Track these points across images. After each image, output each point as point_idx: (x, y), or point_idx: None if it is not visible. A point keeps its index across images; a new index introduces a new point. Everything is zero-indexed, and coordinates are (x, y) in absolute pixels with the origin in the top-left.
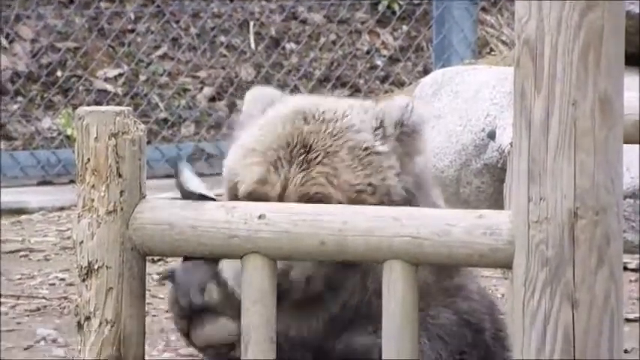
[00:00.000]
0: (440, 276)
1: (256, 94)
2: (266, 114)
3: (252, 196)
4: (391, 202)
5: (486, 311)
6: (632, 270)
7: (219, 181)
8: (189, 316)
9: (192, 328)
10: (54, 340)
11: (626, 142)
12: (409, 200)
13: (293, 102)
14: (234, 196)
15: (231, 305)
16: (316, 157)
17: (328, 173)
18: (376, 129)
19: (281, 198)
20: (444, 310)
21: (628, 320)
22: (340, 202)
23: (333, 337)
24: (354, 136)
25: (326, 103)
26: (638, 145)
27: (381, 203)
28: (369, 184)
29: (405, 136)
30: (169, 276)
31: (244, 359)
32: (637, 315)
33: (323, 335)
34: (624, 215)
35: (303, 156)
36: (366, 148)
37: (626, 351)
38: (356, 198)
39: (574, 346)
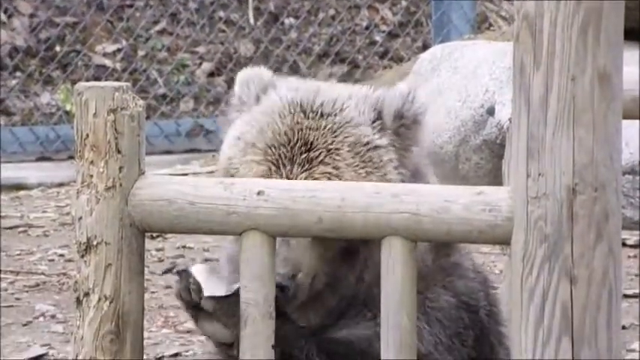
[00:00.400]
0: (438, 254)
1: (248, 76)
2: (261, 102)
3: None
4: None
5: (481, 288)
6: (631, 246)
7: (216, 156)
8: (194, 308)
9: (197, 318)
10: (53, 316)
11: (625, 117)
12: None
13: (288, 91)
14: None
15: (226, 314)
16: (318, 156)
17: (330, 173)
18: (374, 121)
19: None
20: (443, 292)
21: (626, 296)
22: None
23: (332, 327)
24: (353, 132)
25: (323, 93)
26: (637, 121)
27: None
28: (370, 181)
29: (404, 128)
30: (170, 270)
31: (243, 335)
32: (635, 291)
33: (321, 326)
34: (623, 191)
35: (304, 155)
36: (366, 143)
37: (624, 327)
38: None
39: (572, 322)
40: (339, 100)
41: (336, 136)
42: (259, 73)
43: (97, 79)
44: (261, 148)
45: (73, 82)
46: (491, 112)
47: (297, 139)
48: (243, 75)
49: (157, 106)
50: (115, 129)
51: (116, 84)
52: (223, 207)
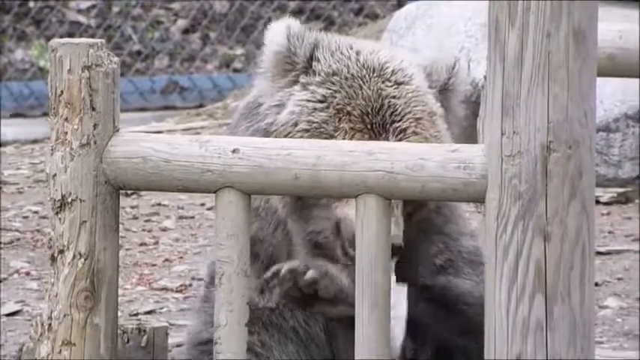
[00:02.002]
0: (447, 220)
1: (295, 29)
2: (321, 61)
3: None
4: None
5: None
6: (604, 203)
7: (190, 114)
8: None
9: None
10: (27, 273)
11: (600, 75)
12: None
13: (352, 52)
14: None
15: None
16: (409, 127)
17: (422, 142)
18: (428, 75)
19: None
20: (468, 238)
21: (599, 254)
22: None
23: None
24: (426, 101)
25: (385, 59)
26: (611, 79)
27: None
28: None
29: (446, 101)
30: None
31: (217, 292)
32: (609, 248)
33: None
34: (597, 149)
35: (397, 124)
36: (434, 113)
37: (597, 284)
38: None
39: (545, 279)
40: (406, 69)
41: (416, 106)
42: (302, 27)
43: (71, 35)
44: (357, 116)
45: (47, 38)
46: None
47: (387, 108)
48: (288, 28)
49: (131, 63)
50: (90, 86)
51: (90, 40)
52: (198, 165)
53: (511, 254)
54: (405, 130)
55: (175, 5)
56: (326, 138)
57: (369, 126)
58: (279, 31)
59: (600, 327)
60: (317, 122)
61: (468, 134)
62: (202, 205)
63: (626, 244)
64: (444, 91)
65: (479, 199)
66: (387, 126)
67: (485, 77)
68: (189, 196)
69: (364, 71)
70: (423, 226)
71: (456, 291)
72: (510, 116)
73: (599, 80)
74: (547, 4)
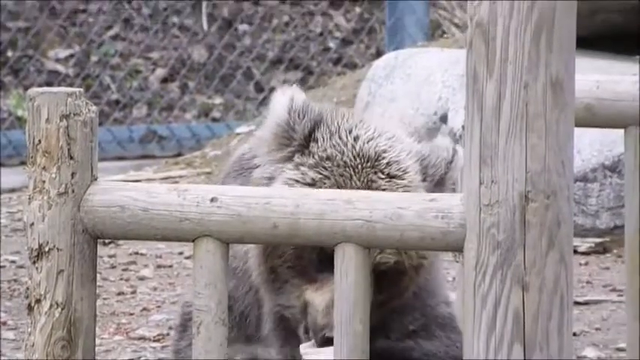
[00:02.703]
0: (427, 279)
1: (297, 104)
2: (319, 142)
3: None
4: None
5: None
6: (583, 253)
7: (169, 162)
8: None
9: None
10: (4, 323)
11: (578, 125)
12: None
13: (349, 137)
14: None
15: None
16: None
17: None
18: (422, 180)
19: None
20: (444, 306)
21: (577, 303)
22: (407, 268)
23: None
24: (408, 183)
25: (383, 146)
26: (589, 129)
27: None
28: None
29: (440, 190)
30: None
31: (195, 341)
32: (587, 298)
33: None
34: (575, 199)
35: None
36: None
37: (575, 334)
38: (419, 264)
39: (524, 329)
40: (402, 161)
41: (395, 186)
42: (307, 102)
43: (49, 84)
44: (330, 183)
45: (25, 88)
46: (444, 119)
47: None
48: (291, 102)
49: (109, 111)
50: (68, 135)
51: (69, 89)
52: (176, 213)
53: (489, 303)
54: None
55: (154, 54)
56: None
57: None
58: (282, 104)
59: None
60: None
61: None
62: (180, 253)
63: (604, 294)
64: (439, 185)
65: (457, 248)
66: None
67: (463, 127)
68: (168, 244)
69: (358, 160)
70: (398, 308)
71: (419, 353)
72: (488, 166)
73: (577, 130)
74: (525, 54)
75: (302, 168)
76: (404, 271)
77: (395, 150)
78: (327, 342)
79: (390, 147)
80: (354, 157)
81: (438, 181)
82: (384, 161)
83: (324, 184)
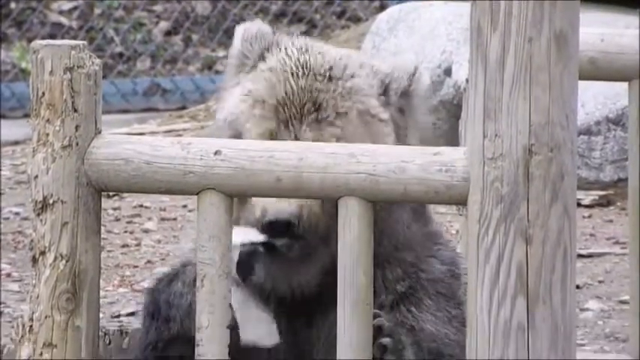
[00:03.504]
0: (419, 222)
1: (251, 33)
2: (267, 60)
3: None
4: None
5: (456, 254)
6: (586, 206)
7: (173, 115)
8: None
9: None
10: (8, 275)
11: (582, 78)
12: None
13: (297, 51)
14: None
15: None
16: (327, 118)
17: (339, 136)
18: (380, 95)
19: None
20: (434, 261)
21: (581, 256)
22: None
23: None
24: (362, 100)
25: (333, 57)
26: (593, 82)
27: None
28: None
29: (407, 107)
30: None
31: (198, 294)
32: (590, 251)
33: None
34: (578, 152)
35: (314, 114)
36: (373, 115)
37: (578, 287)
38: None
39: (527, 282)
40: (350, 67)
41: (345, 101)
42: (262, 29)
43: (52, 37)
44: (271, 105)
45: (29, 40)
46: (448, 72)
47: (307, 100)
48: (245, 31)
49: (113, 64)
50: (72, 87)
51: (72, 42)
52: (180, 167)
53: (493, 257)
54: (321, 121)
55: (157, 7)
56: (240, 127)
57: (280, 116)
58: (237, 35)
59: (582, 329)
60: (236, 113)
61: (450, 137)
62: (184, 206)
63: (608, 246)
64: (404, 96)
65: (461, 202)
66: (304, 118)
67: (467, 80)
68: (171, 197)
69: (299, 68)
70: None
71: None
72: (492, 119)
73: (581, 84)
74: (529, 8)
75: (244, 82)
76: None
77: (346, 59)
78: (268, 228)
79: (341, 59)
80: (296, 65)
81: (402, 93)
82: (328, 66)
83: (258, 90)
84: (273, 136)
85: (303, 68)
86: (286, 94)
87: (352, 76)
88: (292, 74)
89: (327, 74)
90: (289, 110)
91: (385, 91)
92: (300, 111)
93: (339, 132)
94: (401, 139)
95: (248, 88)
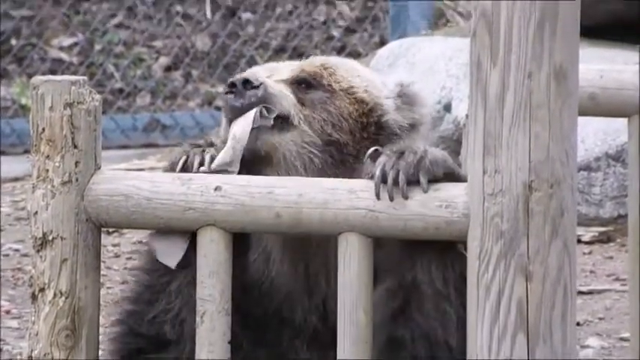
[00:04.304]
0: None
1: None
2: None
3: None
4: (380, 127)
5: None
6: (586, 243)
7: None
8: None
9: None
10: (7, 312)
11: (581, 114)
12: (397, 136)
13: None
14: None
15: None
16: (314, 61)
17: (324, 65)
18: (377, 78)
19: (270, 76)
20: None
21: (581, 293)
22: (331, 88)
23: None
24: (358, 66)
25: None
26: (592, 118)
27: (370, 118)
28: (365, 89)
29: (405, 97)
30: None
31: (198, 330)
32: (590, 288)
33: None
34: (578, 188)
35: (300, 63)
36: (368, 76)
37: (578, 323)
38: (348, 89)
39: (527, 319)
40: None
41: (335, 62)
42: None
43: (53, 72)
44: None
45: (29, 76)
46: (448, 108)
47: (293, 72)
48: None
49: (113, 100)
50: (72, 123)
51: (72, 78)
52: (180, 203)
53: (493, 293)
54: (303, 62)
55: (157, 43)
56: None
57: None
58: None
59: None
60: None
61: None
62: None
63: (608, 283)
64: (399, 86)
65: (461, 238)
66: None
67: (466, 116)
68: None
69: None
70: None
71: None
72: (492, 155)
73: (581, 120)
74: (529, 44)
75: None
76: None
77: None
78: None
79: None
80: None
81: (397, 83)
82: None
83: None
84: (250, 72)
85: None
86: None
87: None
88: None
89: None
90: (271, 65)
91: (382, 82)
92: (284, 65)
93: (324, 62)
94: (405, 118)
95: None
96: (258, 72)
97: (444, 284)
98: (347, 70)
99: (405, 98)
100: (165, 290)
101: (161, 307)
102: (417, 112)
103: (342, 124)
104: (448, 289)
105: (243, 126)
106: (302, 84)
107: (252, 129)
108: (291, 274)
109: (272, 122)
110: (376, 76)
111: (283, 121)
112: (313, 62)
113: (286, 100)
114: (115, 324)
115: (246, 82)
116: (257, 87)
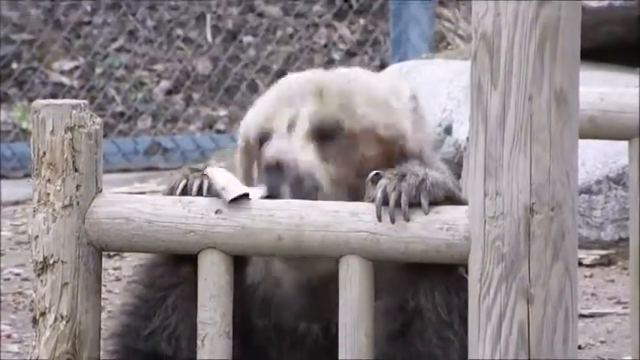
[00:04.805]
0: None
1: None
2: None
3: (261, 134)
4: (402, 154)
5: None
6: (587, 266)
7: (173, 174)
8: None
9: None
10: (8, 336)
11: (582, 137)
12: (420, 159)
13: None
14: (245, 153)
15: None
16: (331, 93)
17: (343, 104)
18: (392, 93)
19: (290, 127)
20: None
21: (582, 316)
22: (353, 133)
23: None
24: (372, 86)
25: (341, 71)
26: (593, 141)
27: (393, 151)
28: (385, 123)
29: (417, 113)
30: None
31: (199, 354)
32: (592, 311)
33: None
34: (579, 211)
35: (316, 94)
36: (384, 100)
37: (580, 347)
38: (370, 128)
39: (529, 342)
40: (358, 73)
41: (352, 84)
42: None
43: (54, 96)
44: (272, 97)
45: (30, 100)
46: (448, 131)
47: (310, 86)
48: None
49: (114, 123)
50: (73, 147)
51: (73, 102)
52: (181, 225)
53: (494, 316)
54: (324, 96)
55: (158, 67)
56: (246, 131)
57: (280, 95)
58: None
59: None
60: (243, 124)
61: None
62: None
63: (609, 306)
64: (412, 100)
65: (462, 261)
66: (306, 95)
67: (467, 139)
68: None
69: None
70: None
71: None
72: (493, 178)
73: (581, 142)
74: (529, 66)
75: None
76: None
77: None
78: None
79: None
80: (297, 84)
81: (411, 96)
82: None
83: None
84: (272, 118)
85: (309, 75)
86: (287, 87)
87: (361, 75)
88: (296, 78)
89: (335, 73)
90: (288, 92)
91: (395, 91)
92: (302, 90)
93: (343, 101)
94: (419, 136)
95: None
96: (283, 140)
97: (447, 312)
98: (366, 102)
99: (418, 116)
100: (161, 305)
101: (157, 323)
102: (427, 130)
103: (367, 165)
104: (452, 317)
105: (258, 192)
106: (323, 135)
107: None
108: (296, 287)
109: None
110: (390, 86)
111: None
112: (331, 98)
113: (315, 172)
114: (111, 338)
115: (279, 165)
116: (290, 167)
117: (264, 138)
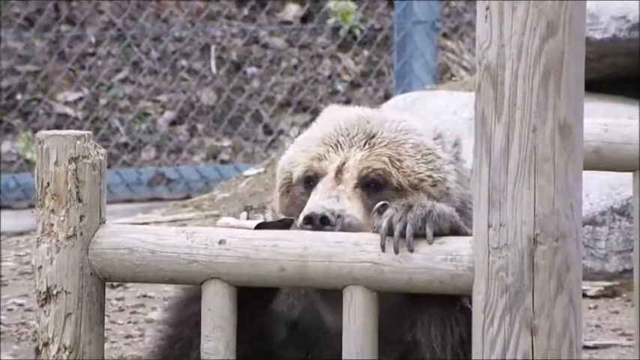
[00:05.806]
0: None
1: None
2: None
3: (308, 175)
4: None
5: None
6: (591, 297)
7: (177, 205)
8: None
9: None
10: None
11: (586, 168)
12: (461, 212)
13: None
14: (286, 191)
15: None
16: (380, 142)
17: (392, 156)
18: (435, 139)
19: (339, 173)
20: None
21: (587, 348)
22: (400, 186)
23: None
24: (416, 136)
25: (385, 113)
26: (597, 172)
27: (438, 201)
28: (430, 177)
29: (459, 160)
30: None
31: None
32: (596, 342)
33: None
34: (583, 242)
35: (365, 140)
36: (428, 149)
37: None
38: (417, 184)
39: None
40: (402, 118)
41: (399, 134)
42: None
43: (58, 127)
44: (319, 137)
45: (34, 131)
46: None
47: (359, 131)
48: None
49: (118, 154)
50: (76, 178)
51: (77, 132)
52: (185, 256)
53: (498, 347)
54: (373, 145)
55: (163, 97)
56: (291, 168)
57: (327, 141)
58: None
59: None
60: (286, 159)
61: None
62: None
63: (614, 338)
64: (456, 147)
65: (466, 292)
66: (354, 143)
67: (471, 170)
68: (176, 286)
69: (350, 114)
70: None
71: None
72: (497, 209)
73: (585, 174)
74: (533, 98)
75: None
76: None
77: (392, 113)
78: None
79: (386, 112)
80: (348, 113)
81: (454, 144)
82: (380, 115)
83: (310, 132)
84: (320, 159)
85: (356, 115)
86: (335, 128)
87: (404, 120)
88: (344, 117)
89: (382, 118)
90: (337, 137)
91: (440, 136)
92: (351, 139)
93: (391, 152)
94: (463, 183)
95: (299, 138)
96: (330, 197)
97: (442, 347)
98: (414, 155)
99: (460, 163)
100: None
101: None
102: (467, 175)
103: None
104: (445, 352)
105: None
106: (371, 184)
107: None
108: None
109: None
110: (435, 132)
111: None
112: (380, 148)
113: (360, 225)
114: None
115: (324, 219)
116: (334, 223)
117: (309, 179)
